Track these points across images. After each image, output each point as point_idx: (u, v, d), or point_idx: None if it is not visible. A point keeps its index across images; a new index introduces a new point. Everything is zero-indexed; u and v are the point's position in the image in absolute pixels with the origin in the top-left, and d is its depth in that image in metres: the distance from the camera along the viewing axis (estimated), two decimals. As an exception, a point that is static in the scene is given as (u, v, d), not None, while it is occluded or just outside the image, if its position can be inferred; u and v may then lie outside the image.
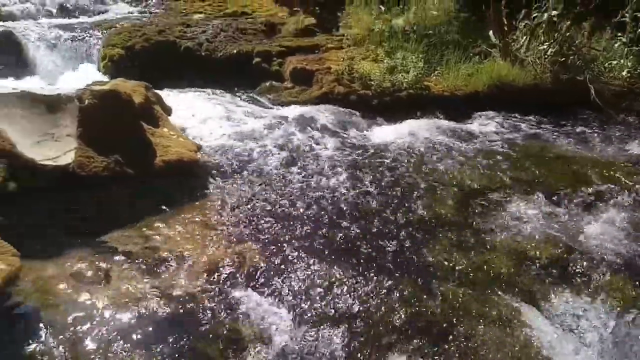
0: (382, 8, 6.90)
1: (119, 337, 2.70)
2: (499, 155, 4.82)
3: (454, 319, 3.02)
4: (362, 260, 3.43)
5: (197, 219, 3.70)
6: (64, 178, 3.48)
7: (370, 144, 5.09)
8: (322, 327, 2.92)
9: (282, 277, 3.23)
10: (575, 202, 4.07)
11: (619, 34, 6.26)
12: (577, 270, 3.41)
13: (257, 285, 3.16)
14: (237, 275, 3.21)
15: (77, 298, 2.88)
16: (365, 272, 3.31)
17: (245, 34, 7.31)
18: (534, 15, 6.11)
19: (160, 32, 7.04)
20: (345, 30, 7.20)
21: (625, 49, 6.21)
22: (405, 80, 5.91)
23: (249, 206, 3.92)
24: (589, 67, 6.09)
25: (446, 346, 2.88)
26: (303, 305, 3.04)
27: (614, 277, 3.35)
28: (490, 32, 6.41)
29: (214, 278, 3.16)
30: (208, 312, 2.93)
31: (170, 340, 2.75)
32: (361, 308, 3.06)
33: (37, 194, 3.40)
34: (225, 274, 3.21)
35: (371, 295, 3.15)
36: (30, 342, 2.61)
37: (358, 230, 3.72)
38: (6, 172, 3.31)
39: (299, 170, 4.46)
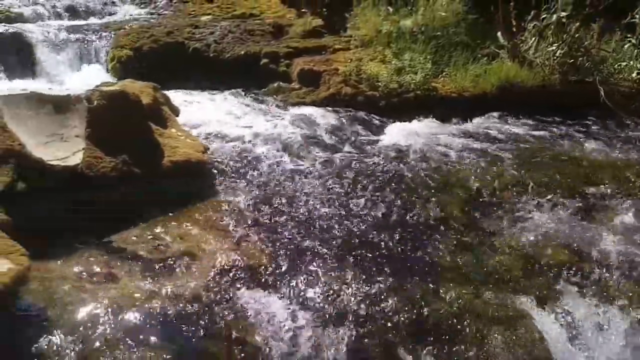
0: (390, 9, 6.89)
1: (126, 337, 2.71)
2: (507, 156, 4.80)
3: (462, 321, 3.00)
4: (369, 261, 3.42)
5: (204, 220, 3.70)
6: (72, 178, 3.49)
7: (378, 145, 5.08)
8: (328, 327, 2.91)
9: (289, 278, 3.22)
10: (585, 204, 4.04)
11: (629, 35, 6.21)
12: (587, 273, 3.38)
13: (264, 286, 3.15)
14: (244, 276, 3.21)
15: (85, 298, 2.88)
16: (372, 273, 3.30)
17: (253, 35, 7.32)
18: (543, 16, 6.08)
19: (168, 34, 7.08)
20: (352, 31, 7.19)
21: (635, 51, 6.17)
22: (413, 81, 5.89)
23: (256, 207, 3.92)
24: (598, 68, 6.05)
25: (454, 348, 2.87)
26: (309, 305, 3.03)
27: (624, 280, 3.32)
28: (499, 33, 6.38)
29: (221, 279, 3.16)
30: (215, 312, 2.92)
31: (177, 340, 2.75)
32: (368, 309, 3.04)
33: (46, 194, 3.40)
34: (233, 274, 3.21)
35: (378, 296, 3.13)
36: (39, 341, 2.62)
37: (364, 231, 3.71)
38: (15, 172, 3.32)
39: (305, 171, 4.46)
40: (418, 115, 5.65)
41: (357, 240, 3.62)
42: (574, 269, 3.41)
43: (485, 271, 3.38)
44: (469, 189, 4.24)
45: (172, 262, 3.25)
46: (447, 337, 2.92)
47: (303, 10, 8.09)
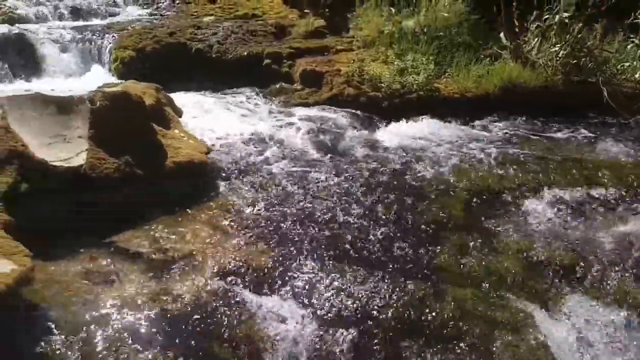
0: (392, 10, 6.88)
1: (128, 338, 2.71)
2: (510, 157, 4.80)
3: (464, 322, 3.00)
4: (371, 263, 3.42)
5: (207, 221, 3.71)
6: (75, 179, 3.50)
7: (380, 145, 5.08)
8: (330, 329, 2.91)
9: (291, 279, 3.23)
10: (588, 205, 4.04)
11: (632, 36, 6.20)
12: (589, 274, 3.38)
13: (266, 287, 3.16)
14: (247, 276, 3.22)
15: (88, 298, 2.90)
16: (375, 274, 3.30)
17: (256, 36, 7.32)
18: (546, 17, 6.06)
19: (171, 34, 7.08)
20: (355, 32, 7.19)
21: (638, 51, 6.15)
22: (416, 82, 5.89)
23: (258, 208, 3.92)
24: (601, 69, 6.03)
25: (456, 349, 2.87)
26: (312, 307, 3.04)
27: (627, 281, 3.31)
28: (501, 34, 6.37)
29: (223, 279, 3.16)
30: (217, 313, 2.93)
31: (179, 340, 2.75)
32: (370, 310, 3.05)
33: (49, 195, 3.41)
34: (235, 275, 3.21)
35: (381, 297, 3.13)
36: (42, 341, 2.63)
37: (367, 232, 3.71)
38: (18, 173, 3.32)
39: (307, 172, 4.46)
40: (420, 116, 5.65)
41: (358, 242, 3.62)
42: (577, 270, 3.41)
43: (487, 273, 3.38)
44: (471, 190, 4.24)
45: (174, 263, 3.26)
46: (450, 338, 2.92)
47: (305, 10, 8.09)
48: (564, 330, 3.02)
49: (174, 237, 3.50)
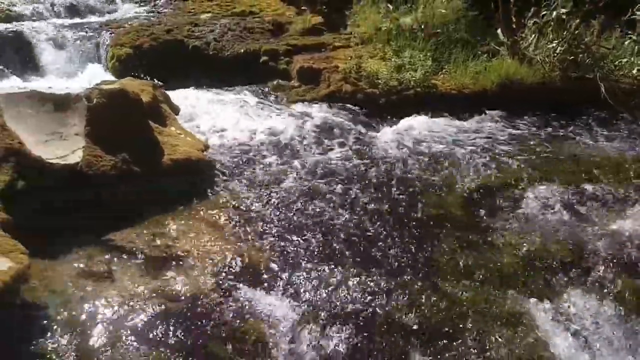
0: (390, 6, 6.87)
1: (125, 335, 2.71)
2: (507, 153, 4.80)
3: (463, 319, 3.01)
4: (369, 260, 3.42)
5: (204, 218, 3.70)
6: (72, 177, 3.49)
7: (377, 142, 5.08)
8: (329, 326, 2.91)
9: (289, 277, 3.23)
10: (585, 201, 4.04)
11: (629, 32, 6.19)
12: (588, 271, 3.38)
13: (263, 285, 3.16)
14: (244, 274, 3.22)
15: (84, 296, 2.89)
16: (373, 272, 3.30)
17: (253, 33, 7.31)
18: (543, 13, 6.06)
19: (168, 32, 7.07)
20: (352, 28, 7.18)
21: (636, 47, 6.14)
22: (413, 78, 5.88)
23: (255, 205, 3.92)
24: (599, 65, 6.02)
25: (455, 345, 2.87)
26: (310, 305, 3.04)
27: (626, 278, 3.32)
28: (499, 30, 6.36)
29: (220, 277, 3.16)
30: (215, 310, 2.93)
31: (177, 338, 2.75)
32: (369, 308, 3.05)
33: (46, 193, 3.41)
34: (232, 273, 3.21)
35: (379, 294, 3.13)
36: (39, 339, 2.63)
37: (364, 229, 3.71)
38: (15, 171, 3.32)
39: (305, 169, 4.45)
40: (418, 113, 5.64)
41: (357, 239, 3.62)
42: (575, 266, 3.41)
43: (486, 269, 3.38)
44: (469, 187, 4.24)
45: (171, 261, 3.25)
46: (448, 335, 2.92)
47: (302, 7, 8.08)
48: (562, 326, 3.02)
49: (171, 234, 3.50)
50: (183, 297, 2.98)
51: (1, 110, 3.55)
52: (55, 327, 2.70)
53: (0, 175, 3.28)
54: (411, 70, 5.99)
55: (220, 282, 3.12)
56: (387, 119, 5.61)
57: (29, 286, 2.83)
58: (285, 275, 3.24)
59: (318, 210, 3.89)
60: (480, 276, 3.33)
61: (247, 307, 2.97)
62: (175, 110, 4.84)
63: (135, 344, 2.69)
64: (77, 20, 8.30)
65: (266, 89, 6.36)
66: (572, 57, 6.01)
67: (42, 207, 3.37)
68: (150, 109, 4.26)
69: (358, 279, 3.23)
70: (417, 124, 5.44)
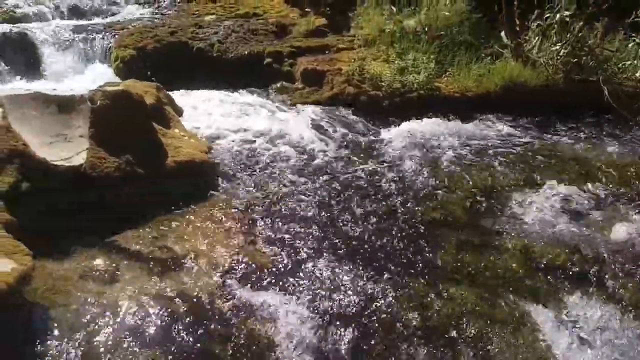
0: (394, 9, 6.88)
1: (129, 337, 2.72)
2: (510, 156, 4.80)
3: (464, 321, 3.01)
4: (372, 262, 3.43)
5: (207, 220, 3.71)
6: (76, 179, 3.51)
7: (381, 145, 5.08)
8: (332, 327, 2.92)
9: (291, 278, 3.23)
10: (588, 203, 4.04)
11: (633, 35, 6.19)
12: (589, 273, 3.38)
13: (267, 286, 3.17)
14: (248, 275, 3.22)
15: (88, 297, 2.90)
16: (375, 273, 3.31)
17: (257, 34, 7.33)
18: (547, 15, 6.06)
19: (172, 33, 7.09)
20: (356, 31, 7.19)
21: (639, 50, 6.14)
22: (416, 81, 5.89)
23: (259, 207, 3.92)
24: (602, 68, 6.02)
25: (456, 347, 2.87)
26: (313, 305, 3.04)
27: (627, 280, 3.31)
28: (502, 33, 6.36)
29: (224, 278, 3.17)
30: (219, 311, 2.94)
31: (180, 339, 2.76)
32: (371, 309, 3.05)
33: (50, 194, 3.42)
34: (236, 274, 3.22)
35: (381, 296, 3.14)
36: (43, 340, 2.64)
37: (368, 231, 3.71)
38: (19, 173, 3.33)
39: (308, 171, 4.46)
40: (421, 115, 5.64)
41: (359, 241, 3.63)
42: (577, 269, 3.41)
43: (488, 272, 3.39)
44: (472, 189, 4.24)
45: (175, 262, 3.26)
46: (450, 338, 2.92)
47: (306, 9, 8.09)
48: (563, 329, 3.02)
49: (174, 236, 3.50)
50: (187, 299, 2.98)
51: (6, 112, 3.56)
52: (59, 328, 2.70)
53: (4, 177, 3.29)
54: (414, 73, 6.00)
55: (225, 283, 3.13)
56: (390, 121, 5.62)
57: (33, 287, 2.84)
58: (289, 277, 3.24)
59: (321, 211, 3.90)
60: (483, 279, 3.33)
61: (251, 308, 2.98)
62: (179, 111, 4.85)
63: (139, 345, 2.69)
64: (80, 22, 8.34)
65: (270, 91, 6.38)
66: (575, 60, 6.00)
67: (47, 209, 3.38)
68: (154, 111, 4.27)
69: (361, 281, 3.23)
70: (420, 126, 5.44)
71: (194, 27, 7.35)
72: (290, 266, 3.33)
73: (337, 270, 3.31)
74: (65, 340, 2.65)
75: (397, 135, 5.25)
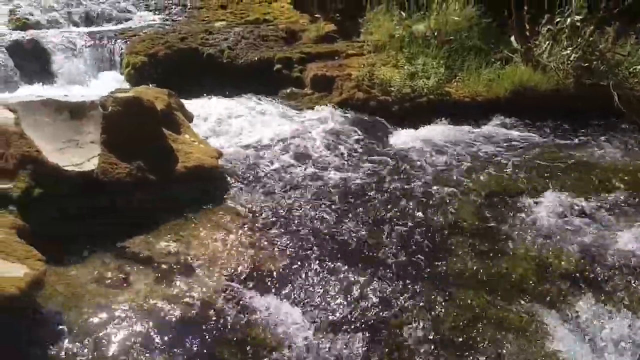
0: (403, 14, 6.88)
1: (139, 341, 2.74)
2: (520, 161, 4.78)
3: (475, 327, 3.00)
4: (381, 267, 3.42)
5: (217, 225, 3.73)
6: (87, 184, 3.53)
7: (390, 150, 5.08)
8: (339, 333, 2.92)
9: (300, 284, 3.24)
10: (598, 209, 4.01)
11: (644, 39, 6.16)
12: (600, 279, 3.36)
13: (276, 292, 3.17)
14: (256, 281, 3.23)
15: (99, 302, 2.92)
16: (384, 279, 3.30)
17: (267, 41, 7.35)
18: (557, 20, 6.03)
19: (182, 40, 7.13)
20: (365, 36, 7.19)
21: (651, 54, 6.10)
22: (426, 86, 5.89)
23: (268, 212, 3.93)
24: (613, 72, 5.97)
25: (467, 354, 2.86)
26: (321, 311, 3.04)
27: (638, 286, 3.29)
28: (512, 38, 6.35)
29: (233, 283, 3.18)
30: (228, 317, 2.94)
31: (190, 344, 2.77)
32: (380, 314, 3.05)
33: (62, 200, 3.45)
34: (245, 279, 3.23)
35: (390, 301, 3.14)
36: (54, 344, 2.66)
37: (377, 236, 3.71)
38: (32, 178, 3.36)
39: (318, 177, 4.47)
40: (431, 120, 5.65)
41: (368, 246, 3.63)
42: (588, 275, 3.39)
43: (498, 277, 3.37)
44: (482, 195, 4.23)
45: (185, 267, 3.28)
46: (460, 343, 2.91)
47: (316, 15, 8.11)
48: (575, 335, 3.00)
49: (184, 241, 3.52)
50: (197, 303, 3.00)
51: (19, 119, 3.60)
52: (70, 333, 2.72)
53: (17, 183, 3.32)
54: (424, 78, 5.99)
55: (234, 288, 3.14)
56: (400, 126, 5.62)
57: (45, 292, 2.86)
58: (298, 283, 3.25)
59: (330, 217, 3.90)
60: (493, 284, 3.32)
61: (260, 313, 2.98)
62: (189, 117, 4.87)
63: (149, 350, 2.71)
64: (92, 28, 8.39)
65: (280, 97, 6.40)
66: (586, 64, 5.97)
67: (58, 214, 3.41)
68: (164, 117, 4.30)
69: (370, 286, 3.23)
70: (429, 131, 5.44)
71: (204, 34, 7.39)
72: (299, 272, 3.34)
73: (347, 276, 3.31)
74: (76, 344, 2.68)
75: (406, 140, 5.25)
